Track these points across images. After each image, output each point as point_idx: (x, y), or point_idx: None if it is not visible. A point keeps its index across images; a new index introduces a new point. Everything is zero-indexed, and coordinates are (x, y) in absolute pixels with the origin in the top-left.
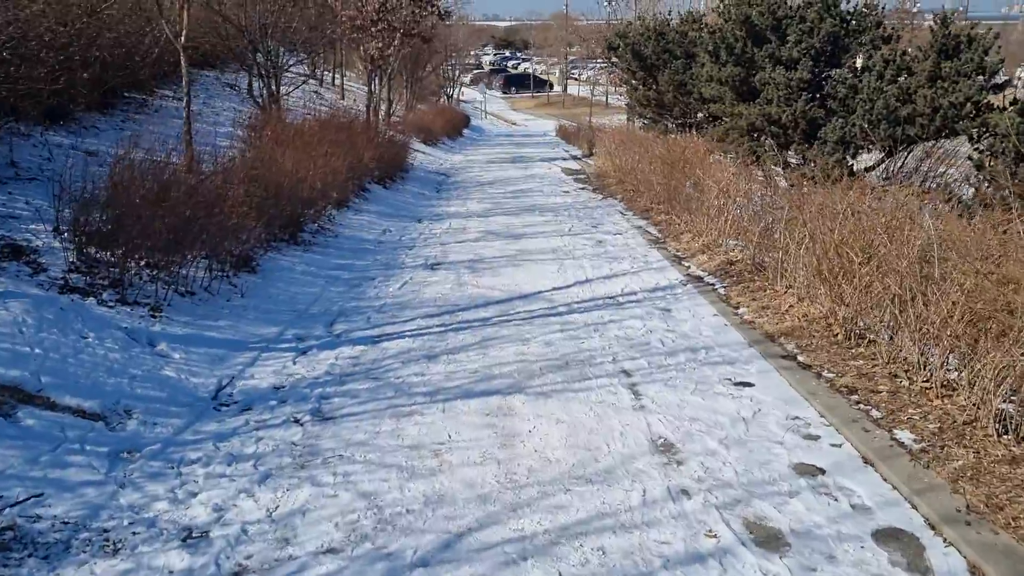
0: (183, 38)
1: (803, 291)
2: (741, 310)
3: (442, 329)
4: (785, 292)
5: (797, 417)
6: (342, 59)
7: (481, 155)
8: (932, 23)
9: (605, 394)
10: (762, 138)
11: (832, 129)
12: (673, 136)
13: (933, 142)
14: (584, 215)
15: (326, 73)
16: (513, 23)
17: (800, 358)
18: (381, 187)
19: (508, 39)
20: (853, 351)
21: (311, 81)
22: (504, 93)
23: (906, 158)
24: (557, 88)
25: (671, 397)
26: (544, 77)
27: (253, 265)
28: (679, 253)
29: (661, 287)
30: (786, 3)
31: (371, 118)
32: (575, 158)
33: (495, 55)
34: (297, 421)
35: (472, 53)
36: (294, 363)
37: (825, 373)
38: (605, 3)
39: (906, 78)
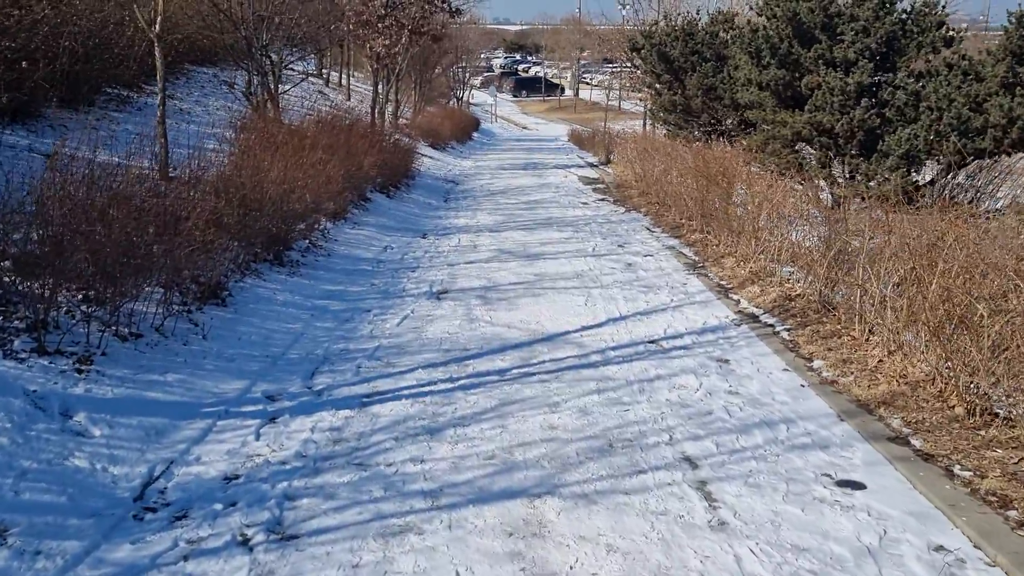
0: (157, 26)
1: (891, 341)
2: (816, 364)
3: (448, 386)
4: (866, 340)
5: (942, 547)
6: (348, 58)
7: (492, 160)
8: (1008, 21)
9: (668, 499)
10: (806, 149)
11: (897, 141)
12: (701, 144)
13: (993, 158)
14: (607, 231)
15: (332, 72)
16: (524, 27)
17: (915, 442)
18: (384, 196)
19: (519, 43)
20: (985, 434)
21: (316, 80)
22: (515, 96)
23: (957, 174)
24: (568, 92)
25: (759, 506)
26: (555, 81)
27: (223, 295)
28: (724, 282)
29: (711, 327)
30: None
31: (376, 120)
32: (592, 165)
33: (506, 58)
34: (246, 542)
35: (482, 56)
36: (257, 437)
37: (958, 469)
38: (620, 6)
39: (973, 85)
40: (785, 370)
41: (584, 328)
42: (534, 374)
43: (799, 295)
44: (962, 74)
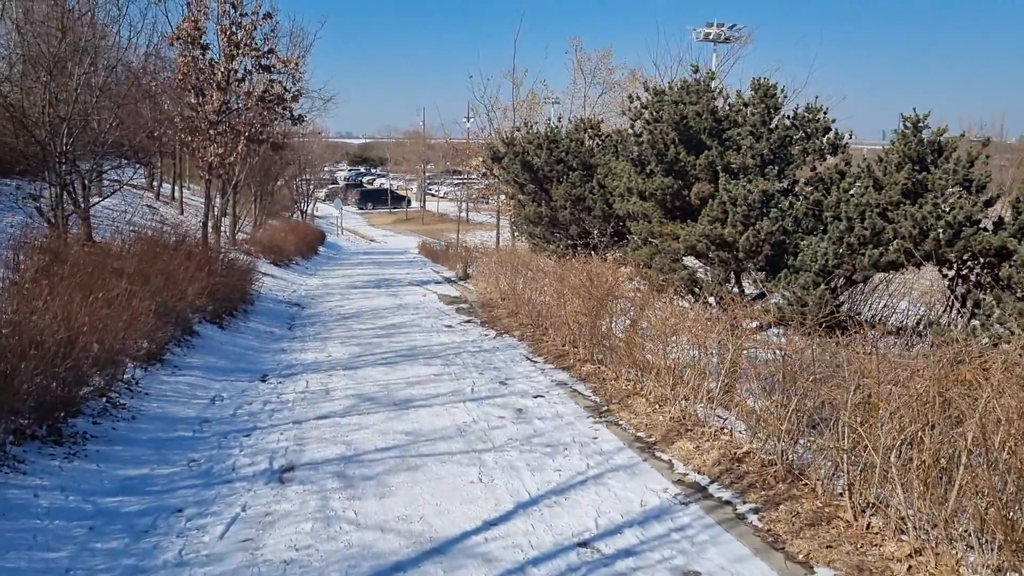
0: None
1: (922, 531)
2: (823, 574)
3: None
4: (867, 528)
5: None
6: (182, 169)
7: (340, 277)
8: (903, 126)
9: None
10: (696, 264)
11: (812, 255)
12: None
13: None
14: (483, 363)
15: (166, 185)
16: (367, 140)
17: None
18: (216, 327)
19: (363, 155)
20: None
21: (145, 194)
22: (360, 208)
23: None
24: (415, 204)
25: None
26: (401, 193)
27: None
28: (642, 434)
29: (653, 512)
30: (722, 102)
31: (209, 237)
32: (450, 281)
33: (350, 170)
34: None
35: (327, 168)
36: None
37: None
38: (464, 119)
39: (872, 194)
40: None
41: (487, 525)
42: None
43: (747, 454)
44: (871, 181)
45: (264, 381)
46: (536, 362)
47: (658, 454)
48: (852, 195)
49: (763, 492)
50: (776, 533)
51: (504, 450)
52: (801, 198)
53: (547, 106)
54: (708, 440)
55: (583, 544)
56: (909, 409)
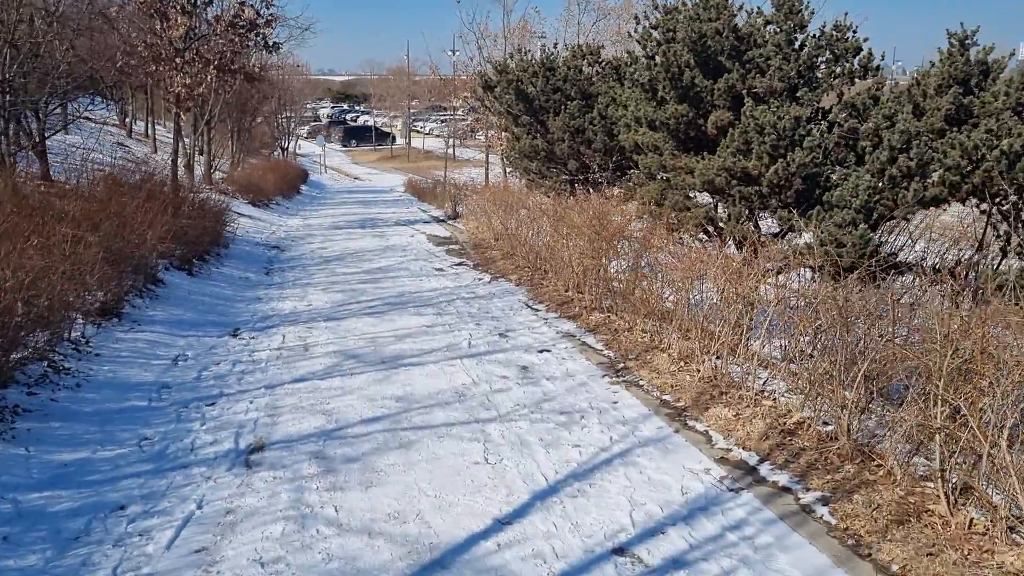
0: None
1: None
2: None
3: None
4: (972, 527)
5: None
6: (154, 105)
7: (323, 217)
8: (948, 43)
9: None
10: (708, 201)
11: (852, 188)
12: (590, 196)
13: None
14: (479, 312)
15: (140, 122)
16: (350, 77)
17: None
18: (185, 274)
19: (346, 92)
20: None
21: (118, 131)
22: (344, 146)
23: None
24: (400, 141)
25: None
26: (386, 130)
27: None
28: (669, 397)
29: (699, 503)
30: (744, 18)
31: (180, 176)
32: (438, 220)
33: (333, 108)
34: None
35: (309, 106)
36: None
37: None
38: (449, 52)
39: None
40: None
41: (499, 525)
42: None
43: (800, 424)
44: (910, 107)
45: (236, 336)
46: (537, 310)
47: (691, 423)
48: (897, 121)
49: (828, 476)
50: (856, 533)
51: (511, 419)
52: (835, 126)
53: (536, 40)
54: (748, 406)
55: (619, 551)
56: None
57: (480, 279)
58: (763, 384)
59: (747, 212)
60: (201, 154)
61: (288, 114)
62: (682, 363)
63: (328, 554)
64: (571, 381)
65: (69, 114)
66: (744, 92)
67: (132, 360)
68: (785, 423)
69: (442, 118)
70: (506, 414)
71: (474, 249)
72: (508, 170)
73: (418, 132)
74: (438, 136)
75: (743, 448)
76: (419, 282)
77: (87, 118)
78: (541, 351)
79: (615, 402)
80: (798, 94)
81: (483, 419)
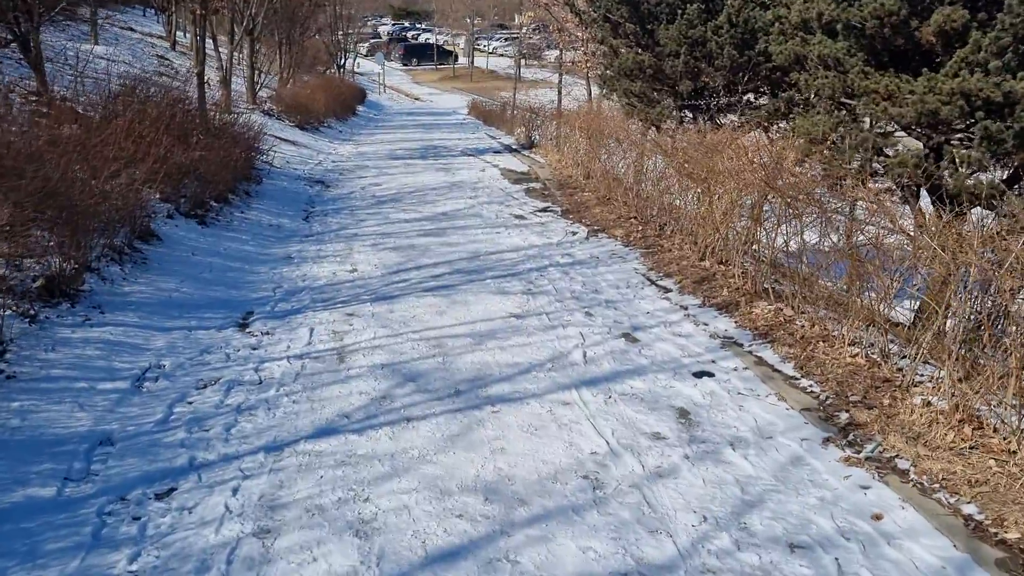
0: None
1: None
2: None
3: None
4: None
5: None
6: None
7: (379, 144)
8: None
9: None
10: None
11: None
12: (674, 126)
13: None
14: (586, 289)
15: (187, 35)
16: None
17: None
18: (196, 222)
19: (407, 8)
20: None
21: (161, 44)
22: (404, 64)
23: None
24: (463, 60)
25: None
26: (448, 48)
27: None
28: (975, 510)
29: None
30: None
31: (204, 93)
32: (511, 150)
33: (394, 25)
34: None
35: (369, 23)
36: None
37: None
38: None
39: None
40: None
41: None
42: None
43: None
44: None
45: (244, 328)
46: (667, 289)
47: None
48: None
49: None
50: None
51: (706, 571)
52: None
53: None
54: None
55: None
56: None
57: (574, 233)
58: None
59: (991, 159)
60: (242, 69)
61: (346, 29)
62: (968, 427)
63: None
64: (775, 453)
65: (99, 21)
66: None
67: (67, 385)
68: None
69: (506, 36)
70: (690, 548)
71: (559, 190)
72: (595, 93)
73: (481, 51)
74: (502, 55)
75: None
76: (497, 236)
77: (130, 28)
78: (699, 374)
79: (878, 517)
80: None
81: (650, 561)
